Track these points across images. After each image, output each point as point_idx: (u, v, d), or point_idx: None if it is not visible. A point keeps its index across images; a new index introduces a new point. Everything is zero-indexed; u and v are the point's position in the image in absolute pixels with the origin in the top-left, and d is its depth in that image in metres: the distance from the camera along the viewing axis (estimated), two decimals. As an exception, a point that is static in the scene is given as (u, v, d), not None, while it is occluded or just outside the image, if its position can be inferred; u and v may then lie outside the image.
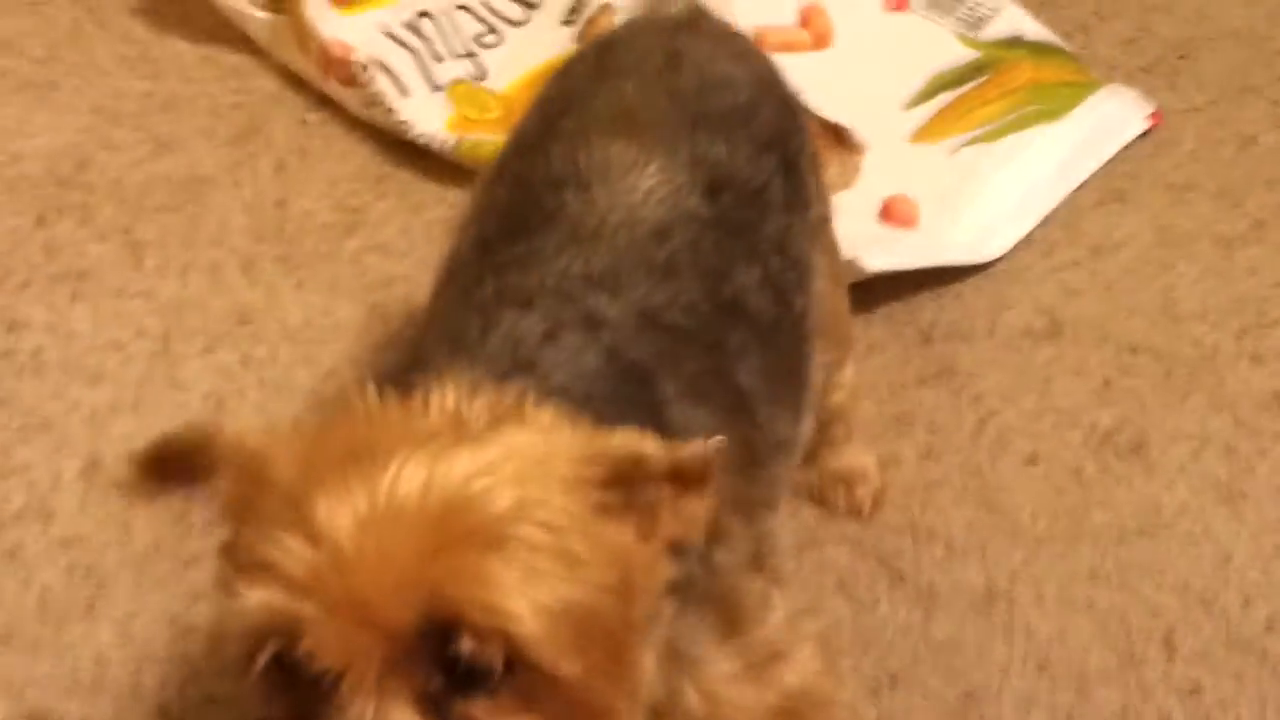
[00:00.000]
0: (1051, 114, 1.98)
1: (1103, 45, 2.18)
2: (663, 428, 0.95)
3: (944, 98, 2.01)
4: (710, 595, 1.04)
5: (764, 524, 1.13)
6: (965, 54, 2.06)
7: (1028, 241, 1.89)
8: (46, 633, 1.46)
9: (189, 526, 1.53)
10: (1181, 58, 2.16)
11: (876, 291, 1.79)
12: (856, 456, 1.60)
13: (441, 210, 1.90)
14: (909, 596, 1.50)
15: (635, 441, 0.87)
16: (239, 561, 0.83)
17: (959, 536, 1.55)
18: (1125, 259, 1.88)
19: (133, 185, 1.96)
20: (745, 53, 1.34)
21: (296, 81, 2.10)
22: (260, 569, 0.81)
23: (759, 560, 1.11)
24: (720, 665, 1.06)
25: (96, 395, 1.69)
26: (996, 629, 1.47)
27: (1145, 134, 2.04)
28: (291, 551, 0.80)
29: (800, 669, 1.12)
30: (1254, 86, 2.11)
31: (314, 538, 0.80)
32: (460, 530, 0.81)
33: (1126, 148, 2.01)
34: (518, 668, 0.82)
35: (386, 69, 1.99)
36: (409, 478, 0.81)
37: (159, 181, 1.96)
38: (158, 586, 1.50)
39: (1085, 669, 1.43)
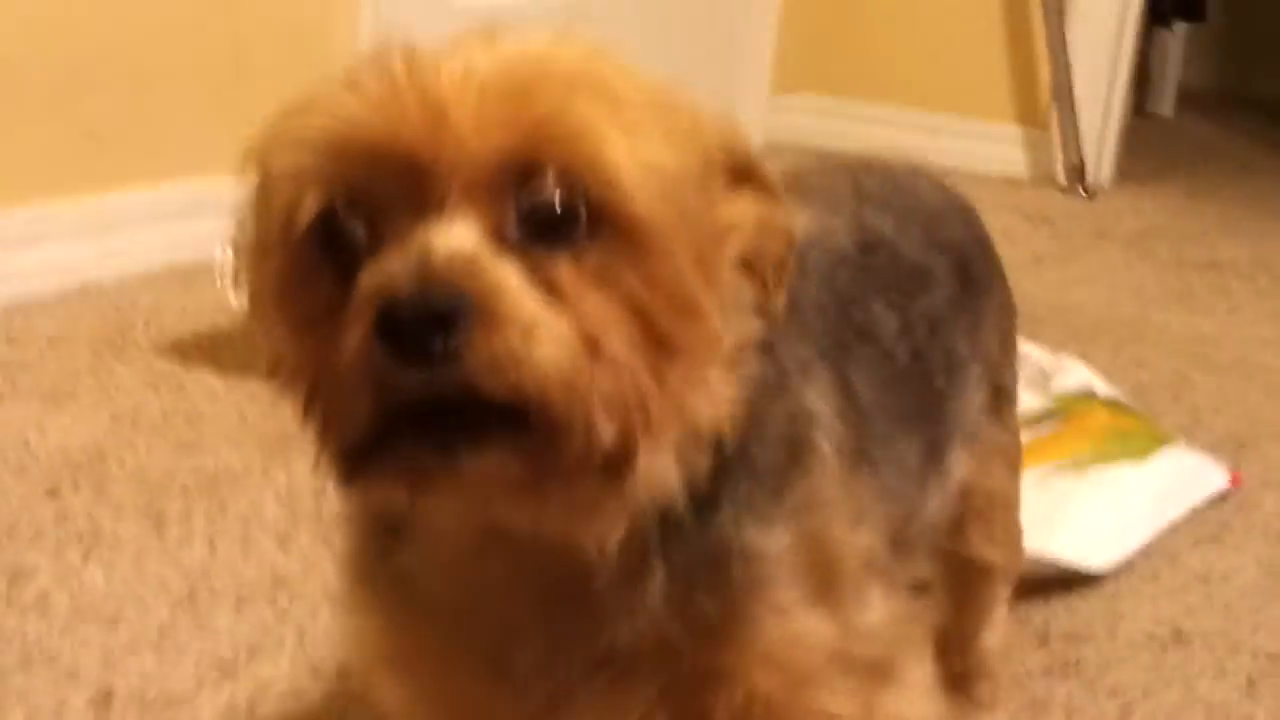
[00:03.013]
0: (1133, 456, 1.89)
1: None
2: (798, 417, 0.90)
3: (1022, 437, 1.92)
4: None
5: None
6: (1038, 403, 1.99)
7: (1130, 568, 1.75)
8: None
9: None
10: (1242, 447, 2.12)
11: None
12: (996, 730, 1.40)
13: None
14: None
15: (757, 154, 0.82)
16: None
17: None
18: (1239, 585, 1.74)
19: (155, 472, 1.79)
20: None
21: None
22: (336, 94, 0.74)
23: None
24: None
25: (112, 637, 1.45)
26: None
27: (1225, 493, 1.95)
28: (368, 76, 0.73)
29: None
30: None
31: (387, 70, 0.73)
32: (562, 76, 0.74)
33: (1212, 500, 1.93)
34: (604, 228, 0.74)
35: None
36: (504, 44, 0.75)
37: (183, 473, 1.80)
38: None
39: None
